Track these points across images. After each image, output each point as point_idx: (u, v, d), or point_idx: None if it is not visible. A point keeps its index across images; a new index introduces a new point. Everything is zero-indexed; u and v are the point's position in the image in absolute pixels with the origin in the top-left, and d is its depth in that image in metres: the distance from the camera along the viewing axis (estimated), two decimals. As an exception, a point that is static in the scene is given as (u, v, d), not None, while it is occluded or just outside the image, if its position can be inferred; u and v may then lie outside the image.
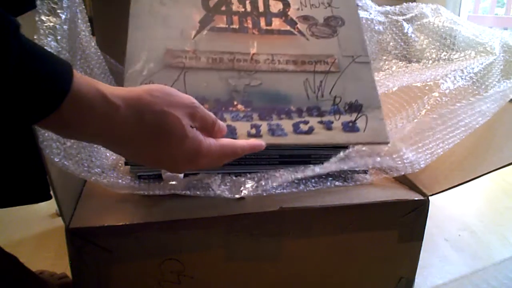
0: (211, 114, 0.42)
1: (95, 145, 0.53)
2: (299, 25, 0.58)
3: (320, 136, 0.50)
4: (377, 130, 0.52)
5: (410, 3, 0.79)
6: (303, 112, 0.51)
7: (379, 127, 0.52)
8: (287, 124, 0.50)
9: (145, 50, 0.52)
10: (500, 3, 2.89)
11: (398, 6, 0.78)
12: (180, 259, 0.47)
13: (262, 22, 0.57)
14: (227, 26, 0.56)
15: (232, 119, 0.49)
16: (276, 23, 0.58)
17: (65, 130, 0.32)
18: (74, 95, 0.29)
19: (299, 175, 0.51)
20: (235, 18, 0.57)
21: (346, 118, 0.52)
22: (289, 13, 0.59)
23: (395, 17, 0.77)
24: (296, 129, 0.50)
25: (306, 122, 0.51)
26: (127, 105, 0.33)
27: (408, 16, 0.77)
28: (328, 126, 0.51)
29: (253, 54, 0.54)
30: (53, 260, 0.88)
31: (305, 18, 0.59)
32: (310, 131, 0.51)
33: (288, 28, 0.58)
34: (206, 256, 0.48)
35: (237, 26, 0.56)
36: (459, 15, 1.99)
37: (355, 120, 0.52)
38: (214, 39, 0.54)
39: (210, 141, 0.40)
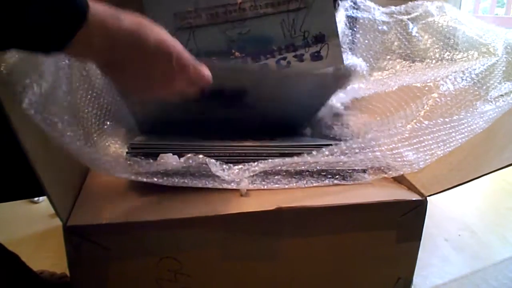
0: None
1: (96, 147, 0.54)
2: None
3: (296, 68, 0.64)
4: (335, 57, 0.66)
5: (416, 1, 0.79)
6: (282, 49, 0.64)
7: (337, 54, 0.66)
8: (272, 62, 0.64)
9: (159, 19, 0.56)
10: (500, 3, 2.89)
11: (403, 6, 0.79)
12: (177, 257, 0.47)
13: None
14: None
15: None
16: None
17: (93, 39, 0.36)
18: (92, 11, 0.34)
19: (299, 159, 0.52)
20: None
21: (313, 49, 0.65)
22: None
23: (400, 17, 0.78)
24: (278, 65, 0.64)
25: (284, 58, 0.64)
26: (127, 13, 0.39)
27: (413, 15, 0.78)
28: (300, 59, 0.64)
29: (240, 3, 0.64)
30: (53, 260, 0.89)
31: None
32: (288, 65, 0.64)
33: None
34: (203, 255, 0.48)
35: None
36: (459, 15, 1.98)
37: (319, 50, 0.64)
38: None
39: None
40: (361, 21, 0.78)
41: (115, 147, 0.59)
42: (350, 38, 0.77)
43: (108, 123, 0.61)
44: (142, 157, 0.51)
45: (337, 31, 0.66)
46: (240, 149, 0.55)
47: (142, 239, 0.46)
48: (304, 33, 0.64)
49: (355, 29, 0.78)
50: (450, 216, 1.17)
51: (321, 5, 0.65)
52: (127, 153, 0.53)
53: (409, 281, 0.57)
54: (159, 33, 0.40)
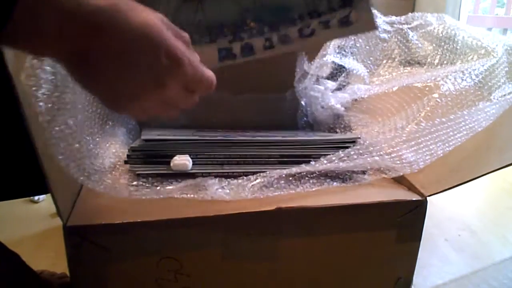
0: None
1: (97, 149, 0.54)
2: None
3: (321, 36, 0.55)
4: (367, 20, 0.56)
5: (416, 13, 0.80)
6: (304, 17, 0.55)
7: (368, 18, 0.56)
8: (293, 32, 0.54)
9: None
10: (500, 3, 2.89)
11: (403, 16, 0.80)
12: (177, 257, 0.47)
13: None
14: None
15: (248, 37, 0.53)
16: None
17: (34, 23, 0.27)
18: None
19: (297, 170, 0.51)
20: None
21: (341, 13, 0.56)
22: None
23: (400, 26, 0.79)
24: (301, 34, 0.55)
25: (308, 26, 0.55)
26: None
27: (413, 25, 0.79)
28: (326, 25, 0.55)
29: None
30: (53, 260, 0.89)
31: None
32: (312, 33, 0.55)
33: None
34: (203, 255, 0.48)
35: None
36: (459, 15, 1.99)
37: (348, 14, 0.56)
38: None
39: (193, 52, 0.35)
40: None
41: (116, 147, 0.59)
42: (353, 42, 0.78)
43: (110, 123, 0.61)
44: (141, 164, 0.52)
45: None
46: (240, 152, 0.55)
47: (142, 239, 0.46)
48: None
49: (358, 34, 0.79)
50: (450, 216, 1.17)
51: None
52: (126, 157, 0.53)
53: (409, 281, 0.57)
54: (144, 14, 0.30)
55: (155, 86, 0.33)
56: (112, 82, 0.31)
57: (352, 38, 0.78)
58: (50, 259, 0.89)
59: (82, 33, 0.28)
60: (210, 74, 0.36)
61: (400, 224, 0.53)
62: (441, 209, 1.20)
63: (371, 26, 0.56)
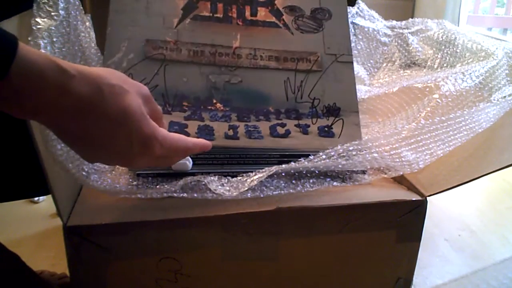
0: (160, 108, 0.41)
1: None
2: (284, 17, 0.57)
3: (296, 141, 0.51)
4: (352, 136, 0.52)
5: (416, 18, 0.80)
6: (281, 114, 0.51)
7: (354, 133, 0.53)
8: (264, 126, 0.50)
9: (126, 39, 0.50)
10: (500, 3, 2.89)
11: (404, 21, 0.81)
12: (177, 257, 0.47)
13: (247, 12, 0.56)
14: (211, 14, 0.54)
15: (210, 119, 0.49)
16: (262, 14, 0.56)
17: (17, 101, 0.29)
18: (21, 61, 0.28)
19: (296, 165, 0.51)
20: (220, 6, 0.55)
21: (323, 122, 0.52)
22: (275, 2, 0.58)
23: (400, 31, 0.80)
24: (272, 132, 0.51)
25: (283, 125, 0.51)
26: (82, 75, 0.31)
27: (413, 30, 0.80)
28: (305, 131, 0.51)
29: (236, 48, 0.53)
30: (53, 260, 0.89)
31: (292, 9, 0.57)
32: (286, 134, 0.51)
33: (274, 20, 0.56)
34: (203, 255, 0.48)
35: (221, 15, 0.55)
36: (459, 15, 1.99)
37: (331, 125, 0.52)
38: (197, 29, 0.53)
39: (164, 130, 0.38)
40: (365, 29, 0.79)
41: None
42: (354, 44, 0.78)
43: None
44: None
45: (357, 107, 0.54)
46: (240, 152, 0.55)
47: (142, 239, 0.46)
48: (313, 100, 0.52)
49: (359, 37, 0.79)
50: (450, 216, 1.17)
51: (338, 72, 0.53)
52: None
53: (409, 281, 0.57)
54: (126, 101, 0.34)
55: (124, 164, 0.39)
56: (87, 151, 0.35)
57: (353, 40, 0.78)
58: (50, 259, 0.89)
59: (63, 115, 0.31)
60: (192, 143, 0.41)
61: (400, 224, 0.53)
62: (441, 209, 1.20)
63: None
